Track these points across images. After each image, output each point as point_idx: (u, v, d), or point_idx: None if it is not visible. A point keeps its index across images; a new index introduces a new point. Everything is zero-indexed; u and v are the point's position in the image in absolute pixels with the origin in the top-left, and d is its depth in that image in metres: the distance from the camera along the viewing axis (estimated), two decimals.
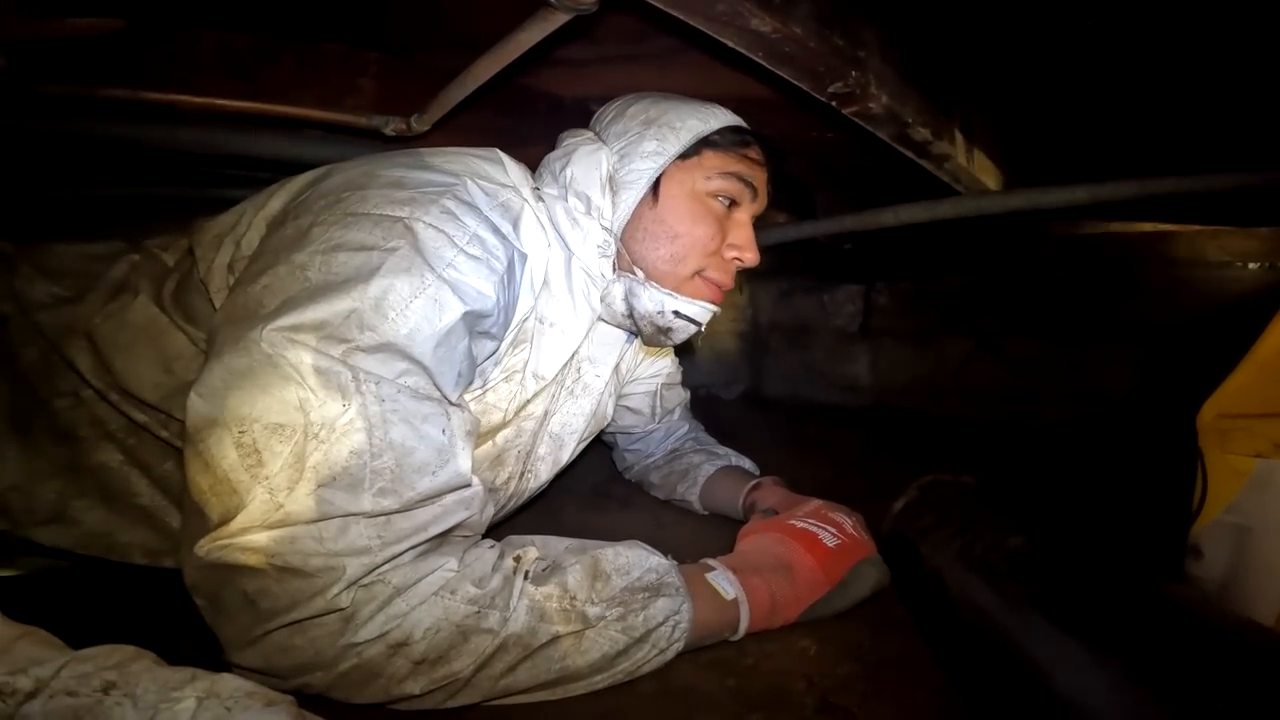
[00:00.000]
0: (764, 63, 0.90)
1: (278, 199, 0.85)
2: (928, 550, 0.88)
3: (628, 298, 1.00)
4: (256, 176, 1.58)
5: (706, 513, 1.32)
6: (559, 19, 0.77)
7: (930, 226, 1.58)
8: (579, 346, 1.00)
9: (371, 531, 0.63)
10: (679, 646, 0.76)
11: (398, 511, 0.65)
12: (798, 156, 1.78)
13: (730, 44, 0.86)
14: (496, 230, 0.82)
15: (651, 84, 1.38)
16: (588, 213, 0.96)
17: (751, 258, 1.02)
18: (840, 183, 2.05)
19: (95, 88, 1.03)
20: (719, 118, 1.02)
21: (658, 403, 1.40)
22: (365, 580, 0.63)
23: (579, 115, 1.49)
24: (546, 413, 1.03)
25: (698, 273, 1.00)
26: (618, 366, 1.21)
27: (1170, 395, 0.93)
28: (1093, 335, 1.96)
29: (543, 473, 1.08)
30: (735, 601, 0.81)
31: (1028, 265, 2.08)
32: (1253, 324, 0.88)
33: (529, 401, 0.96)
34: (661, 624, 0.74)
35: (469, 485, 0.72)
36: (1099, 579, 0.70)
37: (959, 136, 1.30)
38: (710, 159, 1.00)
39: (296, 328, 0.64)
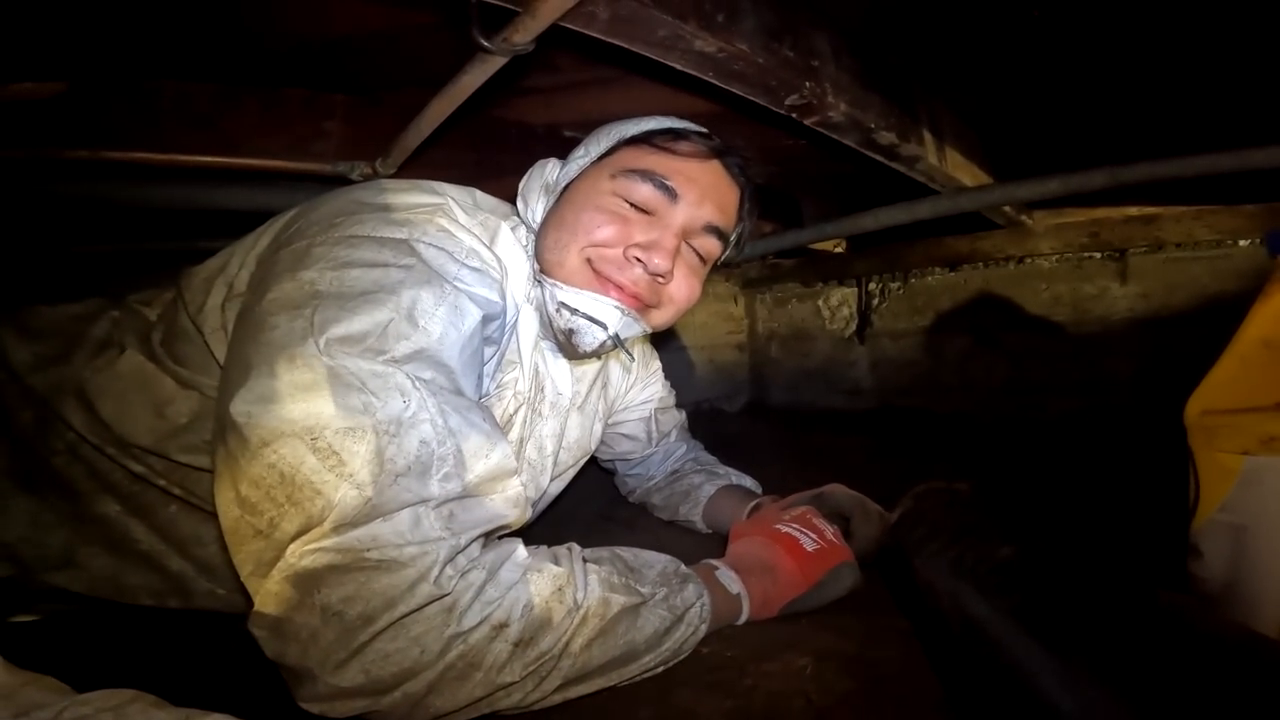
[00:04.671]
0: (716, 81, 0.91)
1: (266, 236, 0.88)
2: (921, 562, 0.87)
3: (544, 303, 0.96)
4: (230, 228, 1.59)
5: (710, 532, 1.31)
6: (498, 61, 0.78)
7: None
8: (534, 360, 1.01)
9: (439, 524, 0.66)
10: (704, 629, 0.81)
11: (458, 499, 0.68)
12: (774, 166, 1.79)
13: (678, 67, 0.86)
14: (484, 243, 0.87)
15: (619, 106, 1.39)
16: (522, 215, 0.99)
17: (659, 262, 0.92)
18: (821, 189, 2.05)
19: (56, 150, 1.04)
20: (655, 122, 1.00)
21: (653, 427, 1.41)
22: (460, 565, 0.66)
23: (551, 143, 1.50)
24: (522, 440, 1.03)
25: (588, 262, 0.93)
26: (605, 389, 1.23)
27: (1175, 380, 0.91)
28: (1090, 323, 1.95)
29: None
30: (738, 595, 0.87)
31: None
32: (1248, 302, 0.86)
33: (509, 420, 0.99)
34: (694, 605, 0.80)
35: (515, 474, 0.75)
36: (1088, 588, 0.69)
37: (928, 136, 1.30)
38: (622, 156, 0.97)
39: (345, 339, 0.68)
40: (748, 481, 1.37)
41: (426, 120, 0.98)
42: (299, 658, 0.62)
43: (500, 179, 1.41)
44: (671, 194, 0.94)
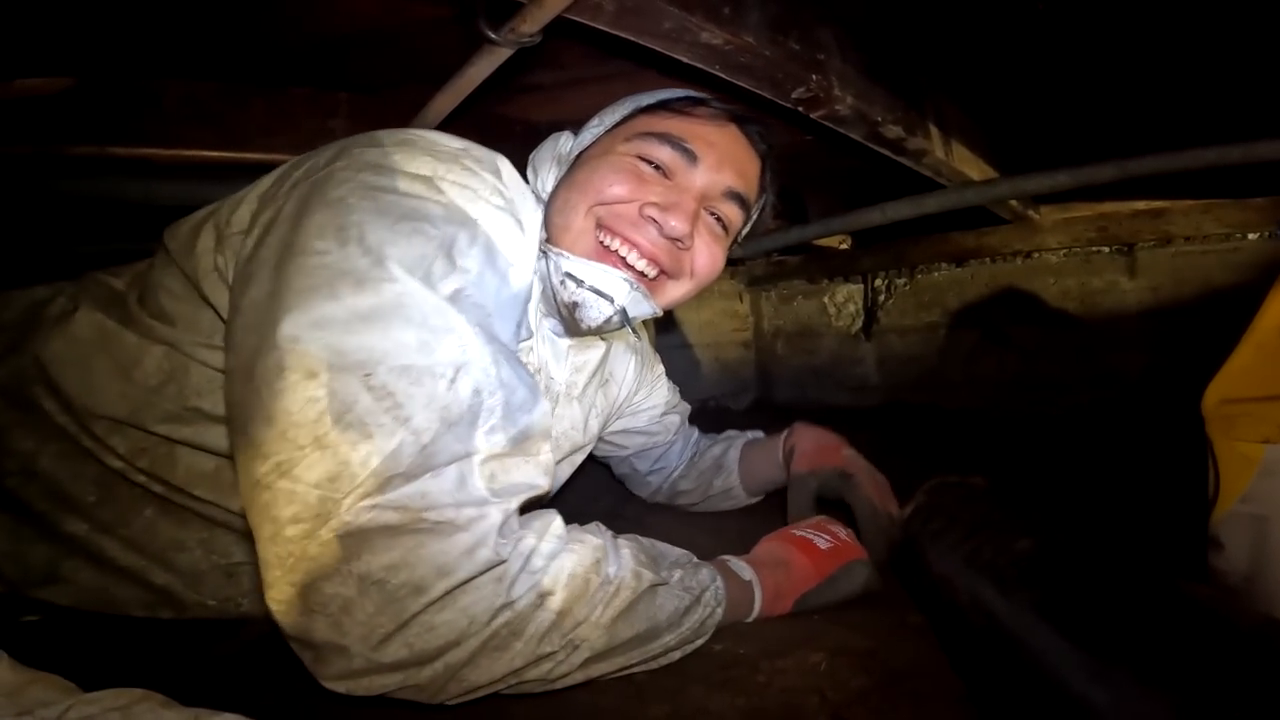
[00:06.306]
0: (721, 74, 0.90)
1: (267, 180, 0.82)
2: (936, 556, 0.86)
3: (549, 274, 0.92)
4: None
5: (754, 498, 1.33)
6: (503, 53, 0.77)
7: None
8: (536, 343, 0.98)
9: (483, 484, 0.63)
10: (720, 612, 0.81)
11: (499, 457, 0.66)
12: (781, 160, 1.78)
13: (684, 59, 0.86)
14: (502, 184, 0.81)
15: None
16: (531, 185, 0.95)
17: (675, 224, 0.87)
18: (826, 186, 2.05)
19: (63, 146, 1.04)
20: (669, 91, 0.96)
21: (669, 422, 1.41)
22: (511, 533, 0.64)
23: None
24: None
25: (598, 223, 0.89)
26: (605, 386, 1.19)
27: (1185, 374, 0.90)
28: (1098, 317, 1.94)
29: None
30: (750, 583, 0.87)
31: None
32: (1258, 295, 0.85)
33: None
34: (709, 587, 0.81)
35: (548, 438, 0.73)
36: (1109, 580, 0.67)
37: (934, 130, 1.29)
38: (637, 122, 0.94)
39: (401, 261, 0.64)
40: (761, 435, 1.38)
41: (432, 113, 0.98)
42: (329, 632, 0.59)
43: None
44: (691, 156, 0.90)
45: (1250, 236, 1.72)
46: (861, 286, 2.43)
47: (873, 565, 0.96)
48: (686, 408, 1.48)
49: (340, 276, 0.63)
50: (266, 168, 1.18)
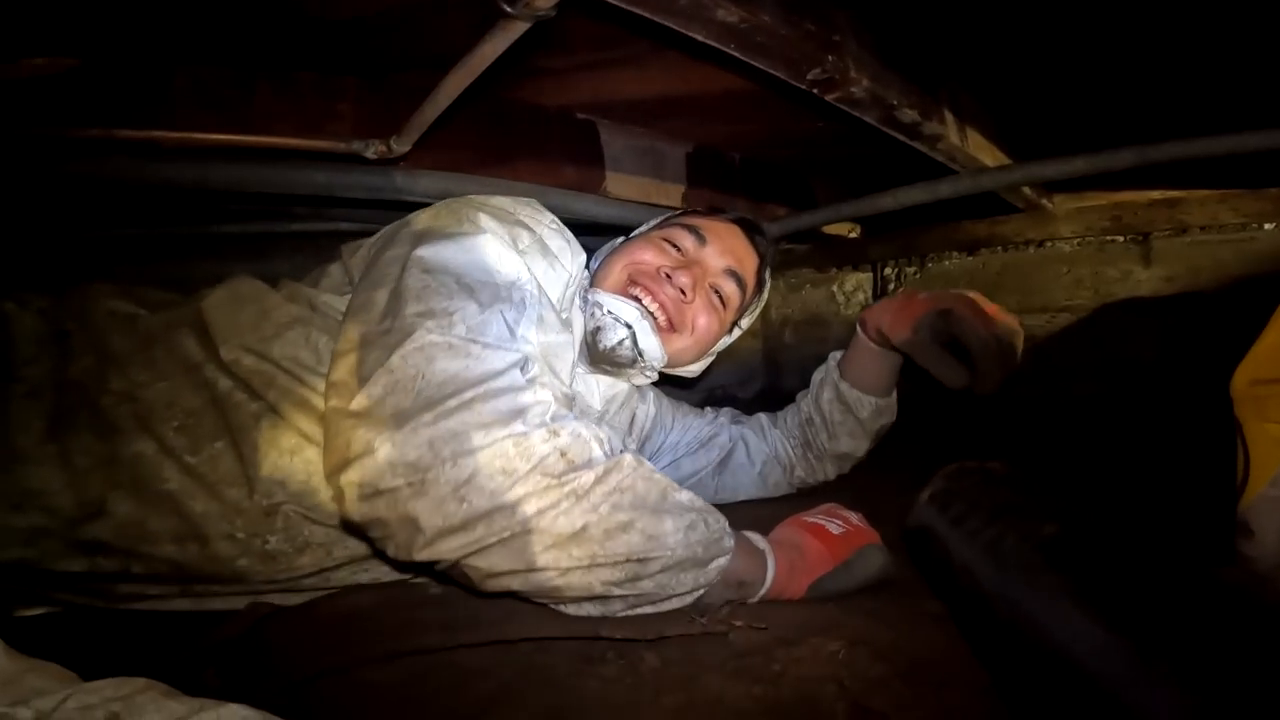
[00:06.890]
0: (737, 54, 0.89)
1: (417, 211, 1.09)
2: (957, 543, 0.85)
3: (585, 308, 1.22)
4: (248, 210, 1.60)
5: (884, 398, 1.41)
6: (519, 27, 0.76)
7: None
8: (573, 370, 1.13)
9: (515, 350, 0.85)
10: (729, 544, 0.87)
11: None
12: (790, 148, 1.77)
13: (699, 38, 0.85)
14: (562, 227, 1.13)
15: (632, 86, 1.38)
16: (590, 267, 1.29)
17: (683, 280, 1.21)
18: (837, 171, 2.03)
19: (70, 129, 1.04)
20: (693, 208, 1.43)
21: (704, 417, 1.52)
22: (535, 384, 0.82)
23: (562, 125, 1.49)
24: None
25: (629, 277, 1.22)
26: (633, 414, 1.40)
27: (1202, 361, 0.88)
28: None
29: None
30: (764, 554, 0.92)
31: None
32: (1274, 284, 0.84)
33: None
34: (721, 519, 0.87)
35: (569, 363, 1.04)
36: (1140, 565, 0.66)
37: (949, 115, 1.28)
38: (668, 221, 1.35)
39: (491, 228, 0.97)
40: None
41: (444, 93, 0.96)
42: (372, 429, 0.76)
43: (511, 162, 1.40)
44: (701, 239, 1.27)
45: (1266, 226, 1.69)
46: (871, 275, 2.41)
47: (887, 550, 0.96)
48: (727, 412, 1.56)
49: (454, 231, 0.95)
50: (273, 151, 1.20)
